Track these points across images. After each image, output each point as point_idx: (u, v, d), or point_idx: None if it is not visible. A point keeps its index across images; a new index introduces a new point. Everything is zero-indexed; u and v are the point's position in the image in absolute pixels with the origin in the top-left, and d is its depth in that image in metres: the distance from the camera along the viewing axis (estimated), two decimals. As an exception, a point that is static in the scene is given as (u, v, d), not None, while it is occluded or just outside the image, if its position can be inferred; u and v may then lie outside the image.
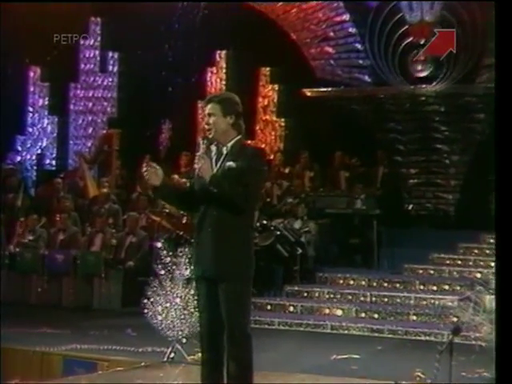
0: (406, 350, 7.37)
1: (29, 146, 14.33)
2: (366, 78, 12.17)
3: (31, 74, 14.35)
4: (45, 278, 10.18)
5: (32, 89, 14.38)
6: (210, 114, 4.32)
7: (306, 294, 9.18)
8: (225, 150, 4.33)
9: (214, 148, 4.36)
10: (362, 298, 8.94)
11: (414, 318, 8.34)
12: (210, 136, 4.31)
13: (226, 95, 4.50)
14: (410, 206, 11.72)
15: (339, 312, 8.64)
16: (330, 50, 12.43)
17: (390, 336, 8.03)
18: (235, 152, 4.31)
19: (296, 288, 9.31)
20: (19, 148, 14.26)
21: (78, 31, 13.88)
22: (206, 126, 4.34)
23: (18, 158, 14.06)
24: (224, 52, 13.70)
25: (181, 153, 12.52)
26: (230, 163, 4.25)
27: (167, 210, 10.20)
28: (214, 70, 13.76)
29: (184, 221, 9.62)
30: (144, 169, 4.33)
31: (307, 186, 11.81)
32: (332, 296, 9.02)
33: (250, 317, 4.37)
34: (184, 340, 6.43)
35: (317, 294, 9.12)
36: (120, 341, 7.28)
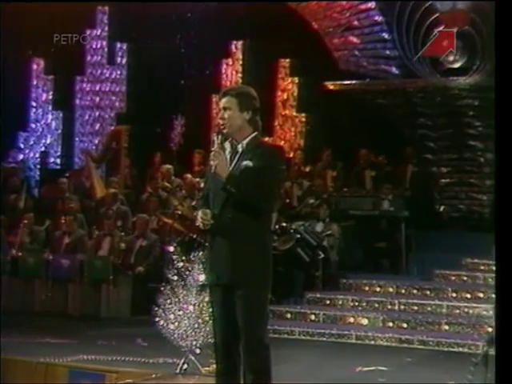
0: (438, 362, 7.34)
1: (32, 143, 14.44)
2: (394, 69, 12.13)
3: (34, 67, 14.47)
4: (49, 284, 10.21)
5: (35, 82, 14.49)
6: (225, 108, 4.33)
7: (328, 302, 9.17)
8: (240, 148, 4.34)
9: (228, 145, 4.37)
10: (389, 306, 8.91)
11: (446, 327, 8.30)
12: (225, 131, 4.32)
13: (244, 89, 4.50)
14: (442, 208, 11.67)
15: (365, 321, 8.62)
16: (354, 39, 12.40)
17: (420, 347, 8.01)
18: (251, 150, 4.32)
19: (318, 295, 9.30)
20: (21, 145, 14.37)
21: (84, 21, 14.00)
22: (221, 121, 4.35)
23: (21, 157, 14.16)
24: (240, 42, 13.73)
25: (194, 150, 12.56)
26: (247, 162, 4.26)
27: (180, 212, 10.22)
28: (230, 61, 13.80)
29: (197, 223, 9.65)
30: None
31: (330, 186, 11.80)
32: (357, 304, 9.01)
33: (268, 326, 4.39)
34: (198, 350, 6.44)
35: (340, 302, 9.11)
36: (129, 351, 7.30)
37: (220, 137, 4.32)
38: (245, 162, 4.27)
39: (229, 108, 4.32)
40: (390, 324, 8.53)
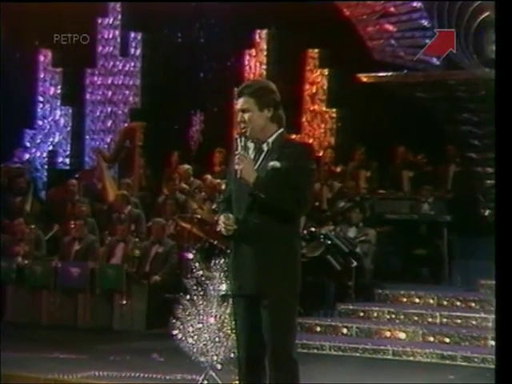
0: (484, 380, 7.27)
1: (39, 141, 14.55)
2: (434, 60, 12.06)
3: (41, 59, 14.56)
4: (57, 294, 10.29)
5: (42, 75, 14.60)
6: (243, 110, 4.33)
7: (362, 314, 9.16)
8: (265, 147, 4.34)
9: (251, 145, 4.37)
10: (429, 319, 8.88)
11: (493, 343, 8.22)
12: (247, 134, 4.33)
13: (259, 84, 4.49)
14: (487, 212, 11.57)
15: (402, 335, 8.60)
16: (390, 27, 12.34)
17: (463, 364, 7.97)
18: (277, 149, 4.32)
19: (351, 307, 9.30)
20: (28, 144, 14.48)
21: (96, 9, 14.08)
22: (241, 124, 4.35)
23: (27, 156, 14.26)
24: (265, 31, 13.75)
25: (214, 149, 12.58)
26: (274, 163, 4.26)
27: (199, 216, 10.25)
28: (253, 52, 13.82)
29: (218, 228, 9.66)
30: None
31: (363, 188, 11.78)
32: (394, 316, 8.99)
33: (296, 340, 4.38)
34: (219, 366, 6.44)
35: (375, 314, 9.10)
36: (145, 367, 7.33)
37: (243, 139, 4.32)
38: (272, 163, 4.27)
39: (247, 109, 4.32)
40: (431, 339, 8.49)
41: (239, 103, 4.35)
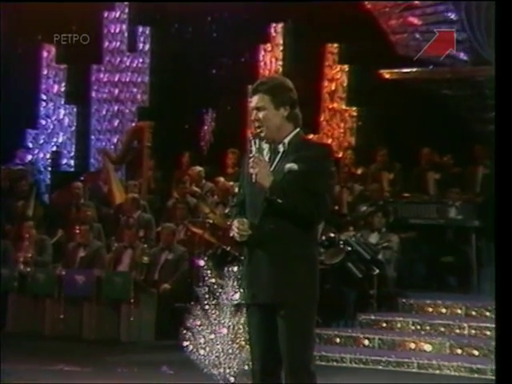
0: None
1: (42, 142, 14.60)
2: (462, 55, 12.05)
3: (45, 55, 14.63)
4: (61, 303, 10.31)
5: (45, 72, 14.66)
6: (258, 108, 4.33)
7: (385, 325, 9.16)
8: (281, 148, 4.34)
9: (265, 145, 4.37)
10: (457, 331, 8.86)
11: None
12: (262, 135, 4.33)
13: (276, 81, 4.48)
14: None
15: (428, 347, 8.58)
16: (415, 20, 12.36)
17: (493, 378, 7.90)
18: (294, 150, 4.32)
19: (372, 317, 9.29)
20: (30, 145, 14.54)
21: (101, 2, 14.14)
22: (256, 123, 4.34)
23: (29, 157, 14.31)
24: (281, 25, 13.76)
25: (227, 150, 12.60)
26: (290, 165, 4.26)
27: (211, 221, 10.26)
28: (269, 47, 13.83)
29: (231, 234, 9.67)
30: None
31: (386, 191, 11.75)
32: (419, 327, 8.98)
33: (314, 351, 4.38)
34: (232, 379, 6.46)
35: (399, 325, 9.08)
36: (154, 380, 7.34)
37: (257, 141, 4.31)
38: (288, 165, 4.27)
39: (262, 108, 4.32)
40: (459, 351, 8.47)
41: (254, 101, 4.34)
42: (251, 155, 4.28)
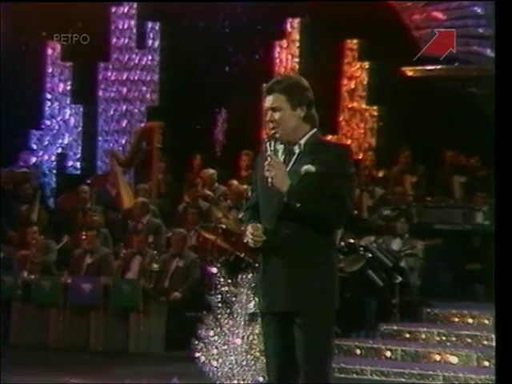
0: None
1: (46, 143, 14.65)
2: (489, 51, 12.02)
3: (49, 52, 14.68)
4: (67, 312, 10.35)
5: (50, 70, 14.71)
6: (274, 109, 4.34)
7: (408, 336, 9.12)
8: (297, 149, 4.35)
9: (280, 147, 4.37)
10: (485, 342, 8.81)
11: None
12: (277, 136, 4.33)
13: (292, 80, 4.48)
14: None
15: (454, 359, 8.55)
16: (439, 15, 12.34)
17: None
18: (310, 151, 4.32)
19: (395, 327, 9.28)
20: (34, 146, 14.59)
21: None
22: (271, 124, 4.35)
23: (33, 160, 14.37)
24: (297, 20, 13.76)
25: (241, 151, 12.61)
26: (307, 167, 4.26)
27: (224, 226, 10.28)
28: (285, 43, 13.84)
29: (245, 239, 9.67)
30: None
31: (409, 195, 11.73)
32: (444, 338, 8.94)
33: (333, 363, 4.40)
34: (247, 392, 6.45)
35: (423, 336, 9.05)
36: (164, 393, 7.36)
37: (272, 143, 4.32)
38: (305, 167, 4.27)
39: (278, 108, 4.33)
40: (486, 363, 8.41)
41: (269, 101, 4.35)
42: (267, 157, 4.28)
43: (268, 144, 4.31)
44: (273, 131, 4.34)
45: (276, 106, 4.32)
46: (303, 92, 4.35)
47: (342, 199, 4.26)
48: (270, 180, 4.24)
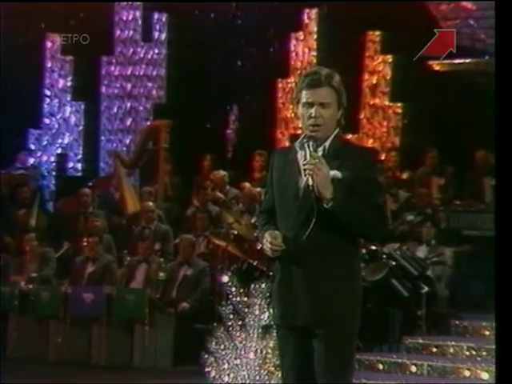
0: None
1: (45, 143, 14.70)
2: (521, 43, 11.99)
3: (49, 45, 14.73)
4: (67, 325, 10.37)
5: (50, 65, 14.77)
6: (323, 105, 4.26)
7: (435, 350, 9.06)
8: (320, 151, 4.30)
9: (298, 145, 4.33)
10: (517, 357, 8.76)
11: None
12: (318, 135, 4.27)
13: (338, 76, 4.37)
14: None
15: (485, 375, 8.46)
16: (468, 5, 12.34)
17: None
18: (334, 154, 4.29)
19: (421, 341, 9.21)
20: (32, 146, 14.63)
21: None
22: (314, 121, 4.26)
23: (32, 161, 14.42)
24: (315, 11, 13.77)
25: (254, 152, 12.61)
26: (333, 172, 4.22)
27: (236, 232, 10.27)
28: (301, 35, 13.85)
29: (259, 246, 9.66)
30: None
31: (436, 198, 11.71)
32: (474, 353, 8.87)
33: (354, 379, 4.38)
34: (261, 410, 6.44)
35: (451, 350, 8.98)
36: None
37: (311, 143, 4.25)
38: (331, 173, 4.22)
39: (328, 105, 4.26)
40: (519, 380, 8.38)
41: (318, 94, 4.25)
42: (307, 160, 4.20)
43: (306, 145, 4.23)
44: (314, 129, 4.27)
45: (328, 103, 4.25)
46: (344, 91, 4.33)
47: (382, 211, 4.26)
48: (310, 184, 4.19)
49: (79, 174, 14.65)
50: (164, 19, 14.53)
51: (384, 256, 9.67)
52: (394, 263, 9.62)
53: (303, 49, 13.86)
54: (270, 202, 4.46)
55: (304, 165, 4.21)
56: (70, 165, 14.71)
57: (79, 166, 14.72)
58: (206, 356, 6.62)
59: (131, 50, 14.60)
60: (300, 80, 4.39)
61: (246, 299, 6.65)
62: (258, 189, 11.30)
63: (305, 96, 4.28)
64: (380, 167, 4.48)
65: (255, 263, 9.37)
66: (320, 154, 4.28)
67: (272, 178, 4.44)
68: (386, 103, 13.45)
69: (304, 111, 4.29)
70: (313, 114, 4.25)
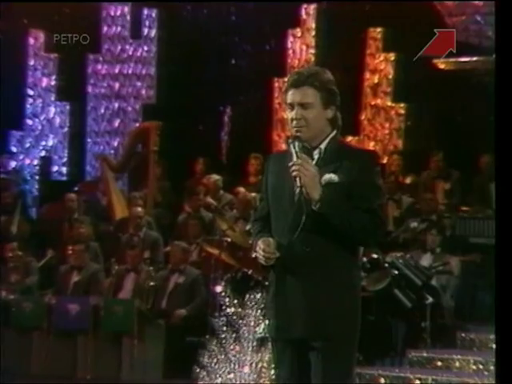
0: None
1: (28, 145, 14.70)
2: (531, 40, 12.02)
3: (31, 42, 14.73)
4: (51, 337, 10.37)
5: (32, 63, 14.76)
6: (303, 105, 4.30)
7: (440, 364, 9.07)
8: (316, 154, 4.33)
9: (294, 148, 4.32)
10: (527, 371, 8.78)
11: None
12: (302, 137, 4.30)
13: (325, 74, 4.40)
14: None
15: (492, 390, 8.51)
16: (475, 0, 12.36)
17: None
18: (331, 157, 4.32)
19: (425, 354, 9.22)
20: (14, 149, 14.62)
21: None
22: (296, 123, 4.30)
23: (14, 164, 14.41)
24: (313, 7, 13.80)
25: (249, 155, 12.62)
26: (329, 176, 4.25)
27: (229, 239, 10.28)
28: (298, 32, 13.88)
29: (253, 254, 9.65)
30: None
31: (441, 204, 11.72)
32: (481, 367, 8.87)
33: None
34: (256, 427, 6.45)
35: (457, 364, 8.99)
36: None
37: (297, 144, 4.27)
38: (327, 176, 4.25)
39: (310, 105, 4.30)
40: (529, 395, 8.39)
41: (298, 95, 4.30)
42: (293, 161, 4.23)
43: (292, 145, 4.27)
44: (297, 130, 4.30)
45: (309, 102, 4.29)
46: (335, 89, 4.34)
47: (378, 215, 4.26)
48: (298, 185, 4.21)
49: (64, 178, 14.64)
50: (154, 15, 14.54)
51: (386, 265, 9.69)
52: (396, 272, 9.63)
53: (301, 46, 13.88)
54: (264, 208, 4.48)
55: (291, 166, 4.23)
56: (55, 168, 14.71)
57: (64, 169, 14.72)
58: (198, 370, 6.65)
59: (119, 48, 14.61)
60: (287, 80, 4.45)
61: (240, 310, 6.67)
62: (253, 194, 11.31)
63: (287, 97, 4.35)
64: (379, 170, 4.45)
65: (250, 272, 9.38)
66: (316, 156, 4.31)
67: (267, 183, 4.46)
68: (389, 104, 13.47)
69: (288, 112, 4.35)
70: (293, 116, 4.31)
